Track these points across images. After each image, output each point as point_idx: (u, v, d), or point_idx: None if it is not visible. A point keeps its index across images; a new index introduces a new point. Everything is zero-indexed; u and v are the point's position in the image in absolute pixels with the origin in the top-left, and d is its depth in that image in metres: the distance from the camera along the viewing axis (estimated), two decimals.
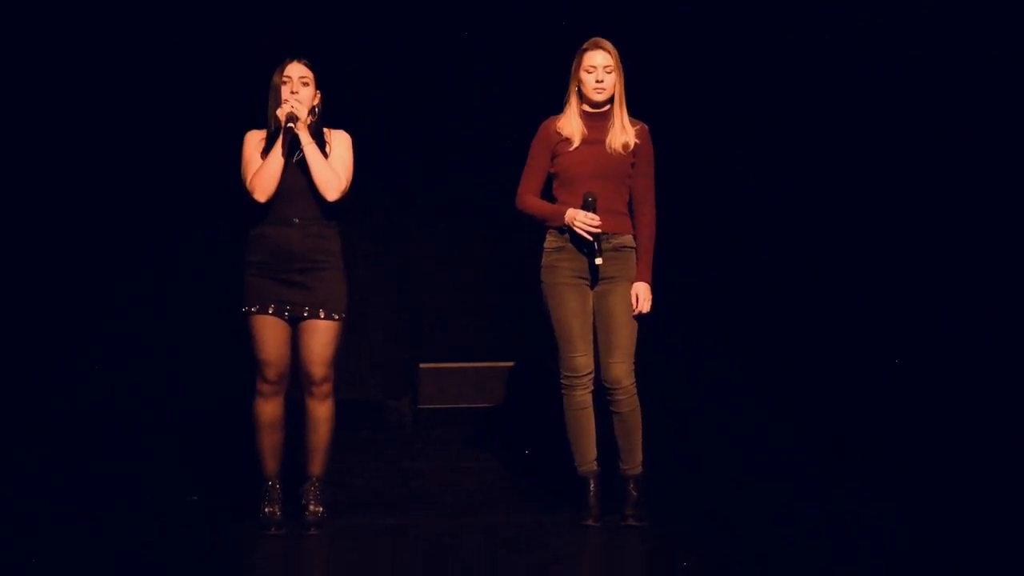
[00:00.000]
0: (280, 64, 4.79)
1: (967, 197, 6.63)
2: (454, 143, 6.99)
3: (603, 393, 4.92)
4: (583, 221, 4.79)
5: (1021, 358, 6.30)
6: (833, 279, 6.91)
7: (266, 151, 4.76)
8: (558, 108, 5.02)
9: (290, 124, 4.70)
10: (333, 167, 4.78)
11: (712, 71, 6.96)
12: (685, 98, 6.83)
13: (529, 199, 4.97)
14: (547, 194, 5.01)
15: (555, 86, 6.00)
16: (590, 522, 4.87)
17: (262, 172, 4.72)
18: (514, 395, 6.85)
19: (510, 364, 6.91)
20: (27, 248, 6.70)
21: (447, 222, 7.10)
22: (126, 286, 6.76)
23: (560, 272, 4.91)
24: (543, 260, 4.95)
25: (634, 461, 4.93)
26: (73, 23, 6.68)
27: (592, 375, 4.91)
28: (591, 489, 4.91)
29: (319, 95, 4.82)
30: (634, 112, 4.98)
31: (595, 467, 4.94)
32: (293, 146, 4.74)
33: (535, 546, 4.66)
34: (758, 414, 6.66)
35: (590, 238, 4.80)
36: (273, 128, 4.77)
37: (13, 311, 6.64)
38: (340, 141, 4.86)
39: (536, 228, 5.08)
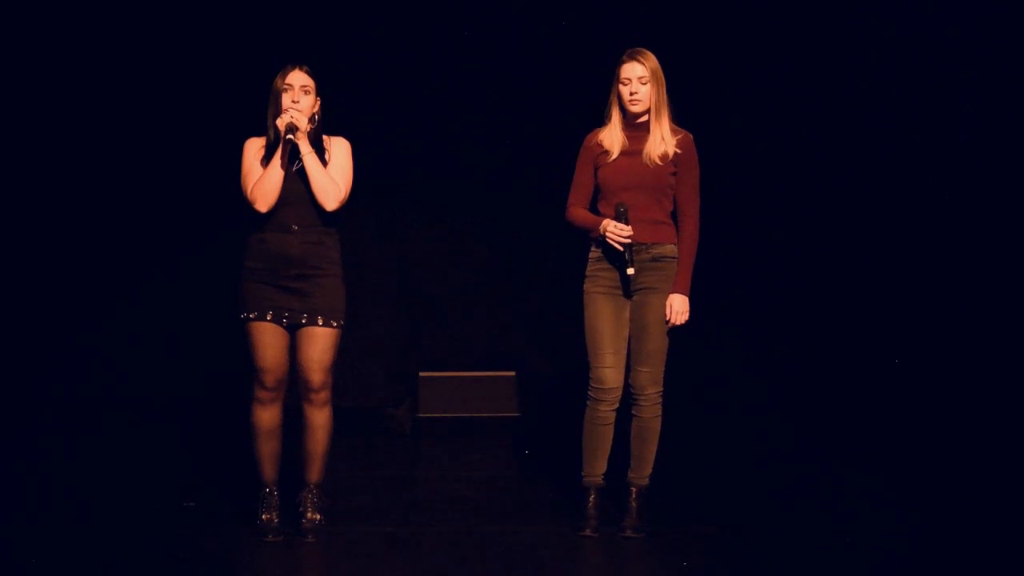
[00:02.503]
0: (281, 70, 4.81)
1: (968, 198, 6.68)
2: (456, 154, 7.01)
3: (628, 398, 4.94)
4: (613, 231, 4.81)
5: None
6: (832, 281, 6.97)
7: (266, 159, 4.78)
8: (561, 110, 5.03)
9: (289, 136, 4.72)
10: (332, 176, 4.80)
11: (714, 73, 7.01)
12: (686, 99, 6.87)
13: (574, 211, 4.99)
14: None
15: (557, 87, 6.05)
16: (588, 532, 4.91)
17: (263, 182, 4.75)
18: (514, 404, 6.87)
19: (510, 373, 6.94)
20: (27, 253, 6.74)
21: (448, 230, 7.12)
22: (125, 292, 6.81)
23: (599, 282, 4.93)
24: (586, 270, 4.99)
25: (642, 471, 4.97)
26: (74, 29, 6.72)
27: (618, 393, 4.91)
28: (591, 500, 4.96)
29: (319, 102, 4.84)
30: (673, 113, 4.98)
31: (600, 481, 4.99)
32: (293, 155, 4.77)
33: (532, 555, 4.69)
34: (758, 420, 6.71)
35: (620, 248, 4.81)
36: (273, 136, 4.79)
37: (12, 316, 6.68)
38: (339, 149, 4.88)
39: (544, 241, 5.10)
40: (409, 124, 6.97)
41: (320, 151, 4.83)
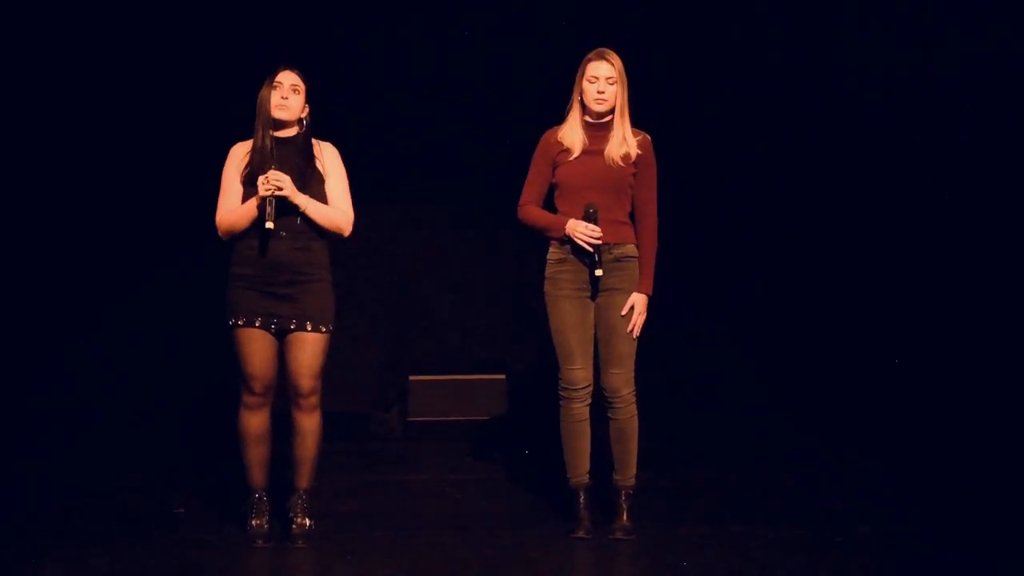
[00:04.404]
0: (269, 75, 4.84)
1: (968, 198, 6.74)
2: (446, 157, 7.05)
3: (601, 400, 5.00)
4: (583, 232, 4.87)
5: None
6: (833, 281, 7.03)
7: (250, 167, 4.80)
8: (556, 115, 5.06)
9: (269, 224, 4.67)
10: (337, 206, 4.86)
11: (711, 76, 7.06)
12: (683, 102, 6.93)
13: (530, 209, 5.03)
14: (550, 205, 5.06)
15: (547, 87, 6.06)
16: (580, 534, 4.97)
17: (232, 223, 4.81)
18: (503, 408, 6.94)
19: (500, 376, 6.99)
20: (25, 255, 6.79)
21: (437, 235, 7.18)
22: (113, 297, 6.86)
23: (561, 284, 4.98)
24: (546, 271, 5.03)
25: (627, 473, 5.03)
26: (72, 30, 6.77)
27: (590, 389, 4.99)
28: (581, 501, 5.03)
29: (307, 108, 4.89)
30: (633, 115, 5.03)
31: (586, 480, 5.05)
32: (282, 207, 4.74)
33: (524, 558, 4.75)
34: (756, 420, 6.78)
35: (591, 249, 4.87)
36: (260, 141, 4.82)
37: (10, 317, 6.74)
38: (332, 164, 4.92)
39: (531, 241, 5.13)
40: (398, 127, 7.01)
41: (310, 157, 4.86)
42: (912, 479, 5.74)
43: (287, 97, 4.81)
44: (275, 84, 4.82)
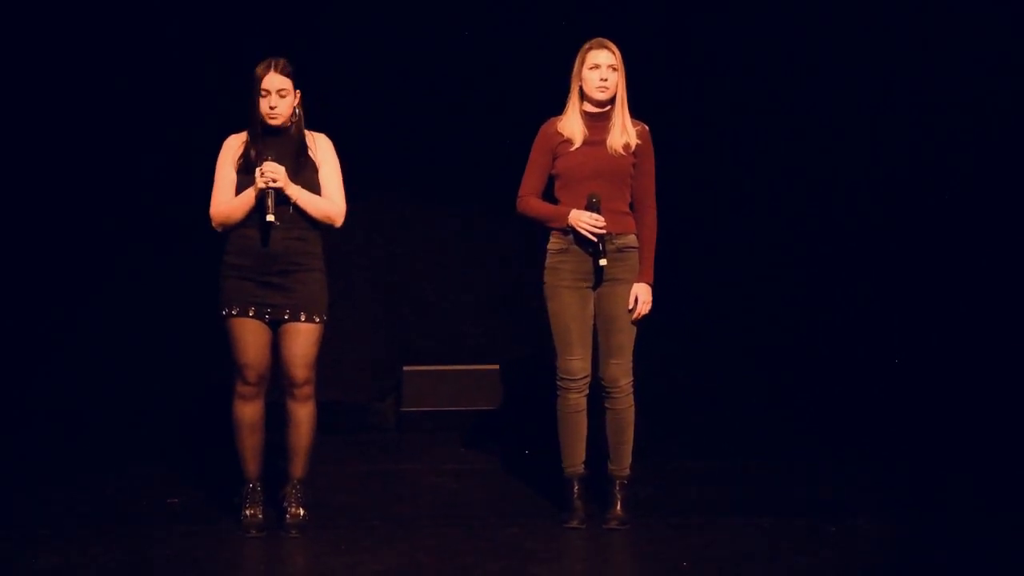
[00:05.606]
0: (259, 65, 4.83)
1: (968, 198, 6.76)
2: (441, 145, 7.06)
3: (599, 390, 5.03)
4: (587, 222, 4.89)
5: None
6: (833, 281, 7.04)
7: (245, 159, 4.84)
8: (552, 109, 5.08)
9: (270, 218, 4.74)
10: (330, 196, 4.90)
11: (711, 74, 7.08)
12: (683, 101, 6.95)
13: (531, 201, 5.05)
14: (548, 196, 5.09)
15: (547, 93, 6.12)
16: (574, 524, 4.99)
17: (227, 213, 4.85)
18: (498, 398, 6.96)
19: (494, 367, 7.00)
20: (14, 254, 6.81)
21: (432, 225, 7.19)
22: (106, 288, 6.87)
23: (562, 274, 5.00)
24: (546, 261, 5.05)
25: (622, 463, 5.06)
26: (66, 24, 6.80)
27: (587, 379, 5.02)
28: (575, 491, 5.05)
29: (299, 95, 4.90)
30: (635, 111, 5.06)
31: (582, 470, 5.08)
32: (281, 198, 4.80)
33: (517, 548, 4.77)
34: (756, 419, 6.78)
35: (595, 239, 4.90)
36: (254, 135, 4.85)
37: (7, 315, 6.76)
38: (325, 154, 4.95)
39: (529, 239, 5.15)
40: (398, 126, 7.00)
41: (303, 147, 4.90)
42: (911, 478, 5.75)
43: (275, 106, 4.82)
44: (263, 92, 4.81)
